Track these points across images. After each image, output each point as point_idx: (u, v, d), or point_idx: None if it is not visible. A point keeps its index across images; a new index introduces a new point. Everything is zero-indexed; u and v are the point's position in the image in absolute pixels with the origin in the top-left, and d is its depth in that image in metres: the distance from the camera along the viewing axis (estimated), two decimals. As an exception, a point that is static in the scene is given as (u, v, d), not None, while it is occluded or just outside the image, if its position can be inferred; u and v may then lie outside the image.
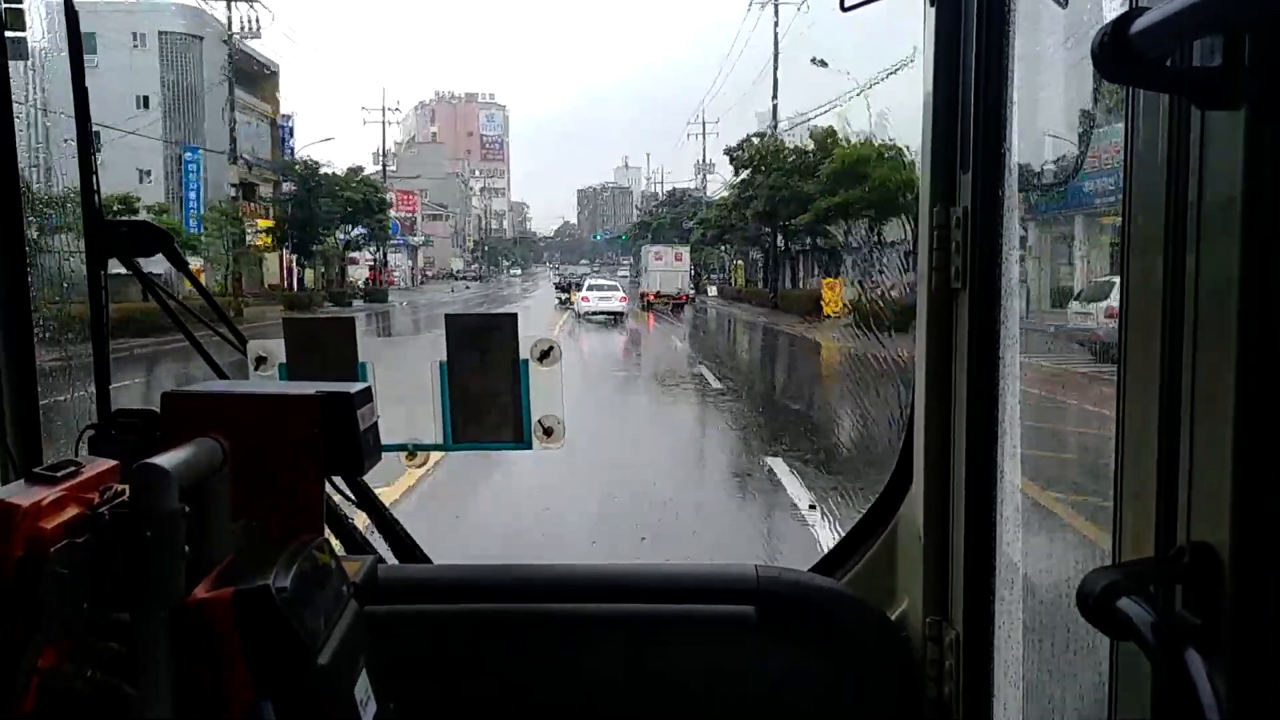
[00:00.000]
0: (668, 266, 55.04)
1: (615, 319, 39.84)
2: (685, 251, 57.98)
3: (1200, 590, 0.93)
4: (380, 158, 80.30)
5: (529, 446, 2.34)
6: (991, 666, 1.87)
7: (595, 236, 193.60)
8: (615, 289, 44.07)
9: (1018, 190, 1.79)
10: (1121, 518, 1.15)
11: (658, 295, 52.87)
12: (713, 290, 66.74)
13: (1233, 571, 0.89)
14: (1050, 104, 1.87)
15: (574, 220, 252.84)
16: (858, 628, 2.17)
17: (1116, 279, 1.20)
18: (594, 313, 39.55)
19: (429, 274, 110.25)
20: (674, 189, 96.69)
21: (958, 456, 1.91)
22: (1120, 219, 1.15)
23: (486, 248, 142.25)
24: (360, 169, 58.79)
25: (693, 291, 58.86)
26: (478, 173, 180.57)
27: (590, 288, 45.57)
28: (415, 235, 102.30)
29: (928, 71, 1.91)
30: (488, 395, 2.32)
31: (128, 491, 1.37)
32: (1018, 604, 1.81)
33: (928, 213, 1.91)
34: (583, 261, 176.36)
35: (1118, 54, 0.90)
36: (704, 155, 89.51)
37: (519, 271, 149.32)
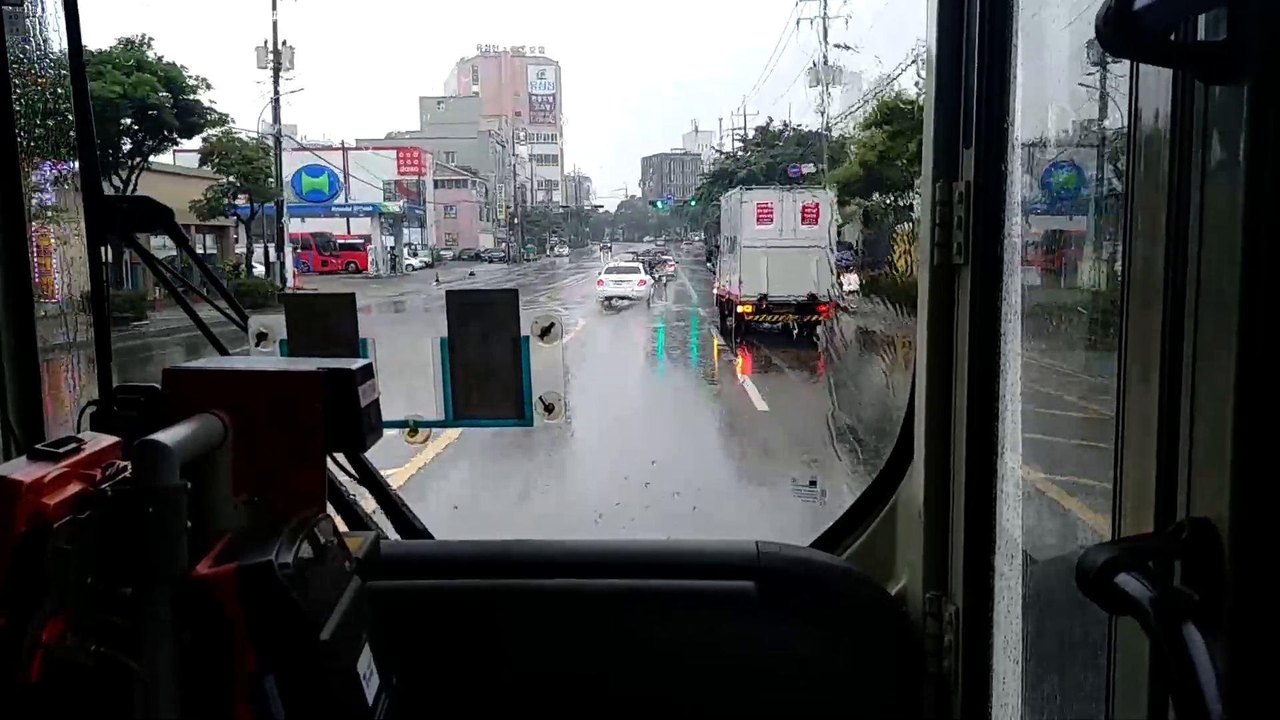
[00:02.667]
0: (786, 235, 25.33)
1: (630, 303, 37.34)
2: (825, 202, 26.36)
3: (1199, 565, 0.93)
4: (271, 54, 39.42)
5: (530, 423, 2.34)
6: (991, 641, 1.88)
7: (656, 204, 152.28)
8: (636, 271, 42.23)
9: (1020, 166, 1.78)
10: (1121, 493, 1.16)
11: (764, 304, 24.60)
12: (848, 282, 26.79)
13: (1231, 547, 0.89)
14: (1054, 79, 1.85)
15: (637, 192, 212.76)
16: (858, 603, 2.18)
17: None
18: (611, 297, 38.33)
19: (445, 253, 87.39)
20: (768, 121, 59.57)
21: (958, 432, 1.91)
22: (1123, 194, 1.14)
23: (517, 220, 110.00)
24: (139, 41, 29.78)
25: (840, 286, 25.09)
26: (523, 136, 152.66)
27: (608, 271, 43.17)
28: (421, 204, 79.49)
29: (931, 45, 1.90)
30: (489, 371, 2.32)
31: (130, 468, 1.37)
32: (1017, 579, 1.82)
33: (930, 187, 1.91)
34: (646, 238, 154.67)
35: (1121, 28, 0.89)
36: (825, 38, 46.97)
37: (566, 251, 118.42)
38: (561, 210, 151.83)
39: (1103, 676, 1.21)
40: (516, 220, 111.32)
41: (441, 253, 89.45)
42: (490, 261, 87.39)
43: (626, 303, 36.76)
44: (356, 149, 76.35)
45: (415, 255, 76.47)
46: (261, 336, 2.37)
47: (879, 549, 2.25)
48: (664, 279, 49.61)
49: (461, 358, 2.31)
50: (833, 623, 2.15)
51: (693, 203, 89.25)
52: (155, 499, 1.31)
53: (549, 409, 2.33)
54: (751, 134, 62.45)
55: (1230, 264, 0.89)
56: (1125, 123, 1.12)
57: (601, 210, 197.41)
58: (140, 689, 1.31)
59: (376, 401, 1.79)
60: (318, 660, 1.41)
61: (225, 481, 1.54)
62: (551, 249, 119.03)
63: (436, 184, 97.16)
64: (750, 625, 2.15)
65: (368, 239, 61.66)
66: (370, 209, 64.28)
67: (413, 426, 2.38)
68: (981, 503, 1.86)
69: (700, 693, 2.15)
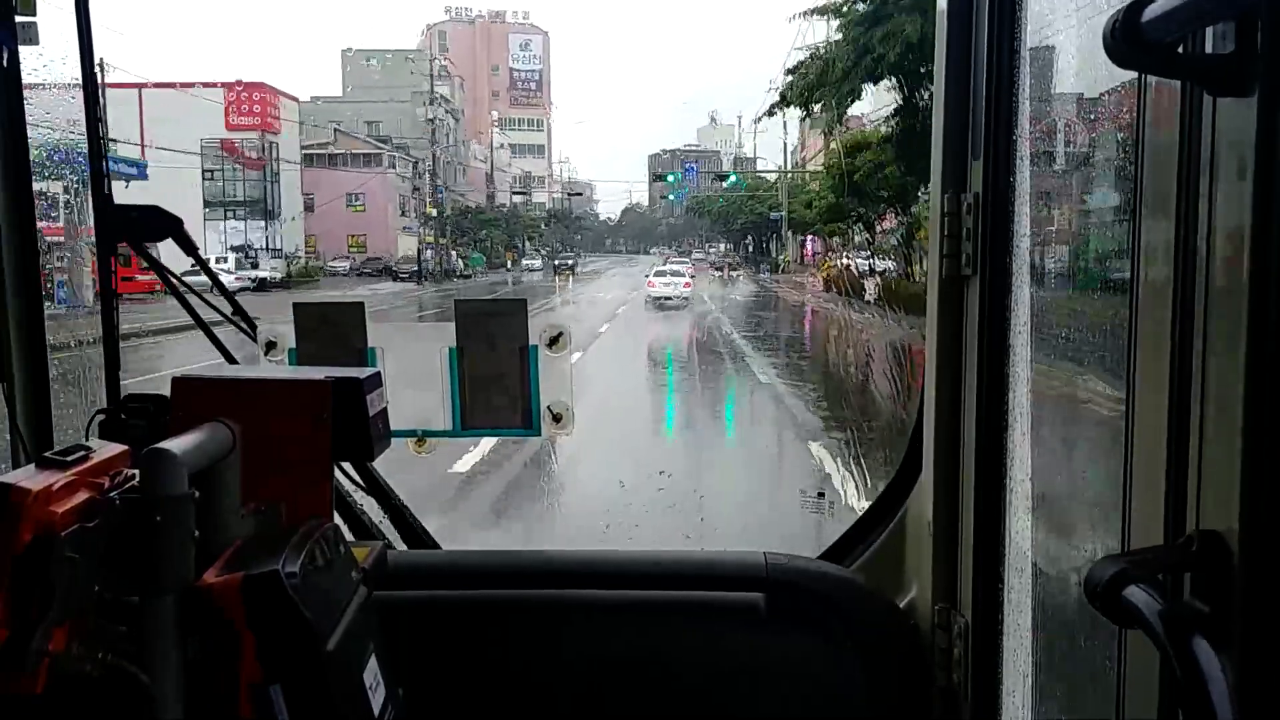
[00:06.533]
0: None
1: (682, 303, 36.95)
2: None
3: (1209, 578, 0.93)
4: None
5: (538, 433, 2.34)
6: (1000, 654, 1.87)
7: (671, 194, 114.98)
8: (681, 275, 41.99)
9: (1028, 177, 1.78)
10: (1130, 505, 1.15)
11: None
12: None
13: (1241, 560, 0.89)
14: (1062, 91, 1.85)
15: (643, 197, 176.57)
16: (867, 616, 2.17)
17: None
18: (659, 297, 38.14)
19: (337, 265, 63.92)
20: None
21: (967, 445, 1.91)
22: (1131, 207, 1.14)
23: (437, 214, 76.26)
24: None
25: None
26: (496, 116, 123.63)
27: (658, 273, 43.38)
28: (269, 179, 54.22)
29: (940, 57, 1.90)
30: (497, 381, 2.32)
31: (137, 476, 1.38)
32: (1026, 592, 1.81)
33: (938, 199, 1.91)
34: (653, 249, 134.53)
35: (1129, 40, 0.89)
36: None
37: (539, 264, 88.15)
38: (545, 211, 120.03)
39: (1112, 690, 1.21)
40: (437, 214, 76.68)
41: (331, 264, 63.09)
42: (396, 279, 58.12)
43: (673, 302, 37.37)
44: (154, 86, 49.96)
45: (253, 266, 50.41)
46: (271, 345, 2.38)
47: (888, 561, 2.24)
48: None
49: (470, 367, 2.31)
50: (841, 635, 2.14)
51: (737, 180, 59.53)
52: (163, 508, 1.31)
53: (557, 419, 2.33)
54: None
55: (1239, 276, 0.89)
56: (1133, 135, 1.12)
57: (602, 218, 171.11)
58: (146, 699, 1.31)
59: (384, 411, 1.79)
60: (323, 670, 1.41)
61: (233, 490, 1.54)
62: (514, 262, 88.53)
63: (330, 160, 70.87)
64: (758, 637, 2.14)
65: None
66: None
67: (420, 436, 2.38)
68: (990, 515, 1.86)
69: (708, 705, 2.14)
